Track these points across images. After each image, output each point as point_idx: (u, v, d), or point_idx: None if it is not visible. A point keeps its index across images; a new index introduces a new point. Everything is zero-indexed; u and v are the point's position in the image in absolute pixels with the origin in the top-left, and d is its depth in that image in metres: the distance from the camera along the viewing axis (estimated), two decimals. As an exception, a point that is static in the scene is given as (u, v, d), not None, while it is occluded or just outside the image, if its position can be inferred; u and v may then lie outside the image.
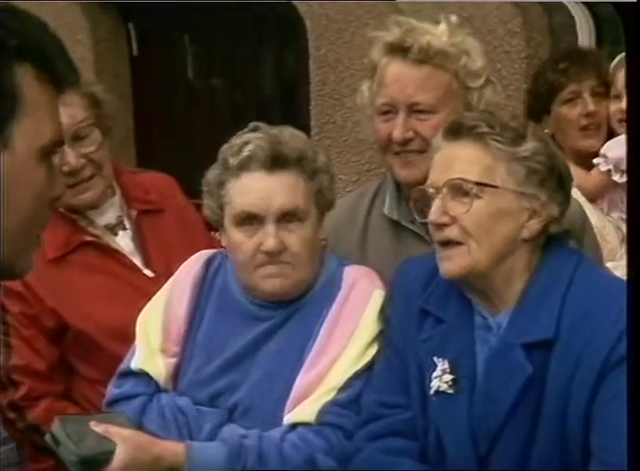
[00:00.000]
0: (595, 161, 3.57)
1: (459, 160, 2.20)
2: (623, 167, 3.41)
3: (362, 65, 2.75)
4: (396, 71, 2.59)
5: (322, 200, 2.50)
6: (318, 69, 5.18)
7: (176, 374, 2.57)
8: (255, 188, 2.41)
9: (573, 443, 2.12)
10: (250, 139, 2.45)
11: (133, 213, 3.04)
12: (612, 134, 3.61)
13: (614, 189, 3.58)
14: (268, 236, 2.38)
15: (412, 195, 2.30)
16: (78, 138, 2.85)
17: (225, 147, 2.53)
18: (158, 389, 2.57)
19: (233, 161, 2.46)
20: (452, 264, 2.18)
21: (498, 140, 2.17)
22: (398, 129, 2.59)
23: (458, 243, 2.17)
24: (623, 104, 3.43)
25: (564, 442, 2.12)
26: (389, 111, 2.61)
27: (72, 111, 2.79)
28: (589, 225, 2.72)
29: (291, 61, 5.51)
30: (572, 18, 4.71)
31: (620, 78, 3.53)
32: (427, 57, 2.56)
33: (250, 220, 2.41)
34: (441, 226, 2.20)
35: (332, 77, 5.12)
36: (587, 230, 2.68)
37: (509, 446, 2.17)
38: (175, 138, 6.14)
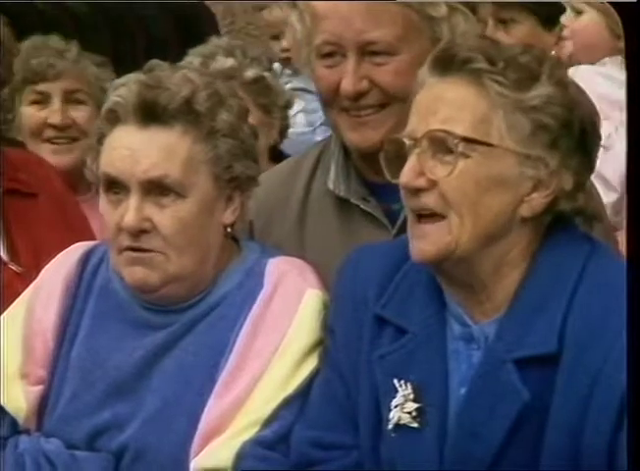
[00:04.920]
0: None
1: (445, 103, 2.05)
2: None
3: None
4: None
5: (224, 172, 2.32)
6: None
7: (41, 407, 2.38)
8: (120, 146, 2.29)
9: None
10: (126, 82, 2.31)
11: None
12: None
13: None
14: (128, 210, 2.26)
15: (385, 147, 2.13)
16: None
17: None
18: (15, 429, 2.39)
19: (104, 108, 2.33)
20: (425, 243, 2.05)
21: (498, 81, 2.02)
22: (347, 78, 2.38)
23: (436, 216, 2.04)
24: None
25: None
26: (333, 52, 2.41)
27: None
28: (601, 202, 2.56)
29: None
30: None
31: None
32: None
33: (116, 187, 2.29)
34: (415, 191, 2.04)
35: (238, 6, 4.95)
36: (601, 209, 2.50)
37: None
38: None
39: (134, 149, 2.26)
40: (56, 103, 3.49)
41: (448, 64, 2.06)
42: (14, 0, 3.82)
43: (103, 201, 2.31)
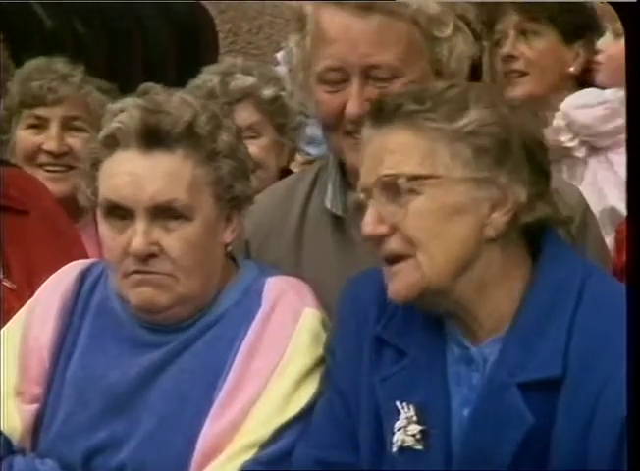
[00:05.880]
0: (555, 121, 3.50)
1: (388, 151, 2.07)
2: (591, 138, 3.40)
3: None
4: (337, 22, 2.39)
5: (225, 193, 2.32)
6: (221, 14, 4.90)
7: (37, 426, 2.36)
8: (123, 172, 2.27)
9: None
10: (125, 106, 2.28)
11: None
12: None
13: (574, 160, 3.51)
14: (136, 235, 2.24)
15: (355, 204, 2.17)
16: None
17: (105, 114, 2.37)
18: (9, 449, 2.35)
19: (102, 133, 2.29)
20: (398, 283, 2.07)
21: (430, 118, 2.05)
22: (353, 101, 2.37)
23: (404, 257, 2.06)
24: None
25: None
26: (338, 77, 2.40)
27: None
28: (592, 219, 2.55)
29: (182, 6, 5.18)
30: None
31: None
32: (370, 2, 2.35)
33: (119, 212, 2.28)
34: (379, 238, 2.07)
35: (245, 25, 4.78)
36: (590, 226, 2.49)
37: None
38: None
39: (139, 175, 2.25)
40: (53, 129, 3.39)
41: (380, 114, 2.08)
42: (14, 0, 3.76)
43: (104, 226, 2.30)
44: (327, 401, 2.22)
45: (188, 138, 2.26)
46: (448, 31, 2.42)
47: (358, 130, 2.35)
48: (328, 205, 2.49)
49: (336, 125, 2.43)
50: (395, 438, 2.07)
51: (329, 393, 2.22)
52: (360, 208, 2.14)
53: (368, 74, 2.37)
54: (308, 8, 2.41)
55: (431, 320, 2.14)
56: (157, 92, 2.32)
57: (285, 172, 3.49)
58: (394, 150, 2.07)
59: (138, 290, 2.26)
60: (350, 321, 2.25)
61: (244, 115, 3.39)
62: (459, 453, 2.05)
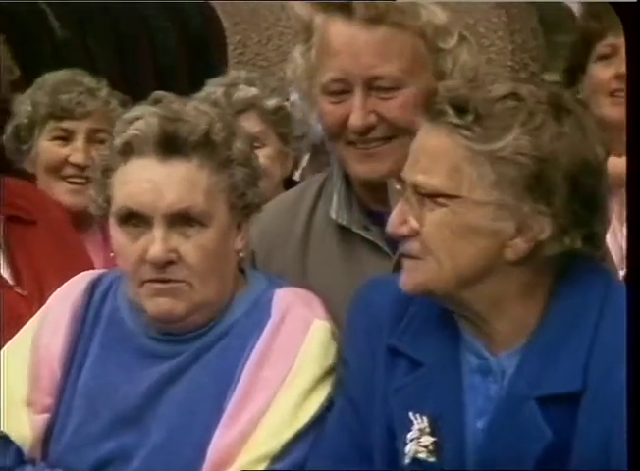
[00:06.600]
0: None
1: (425, 153, 2.06)
2: None
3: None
4: (342, 34, 2.38)
5: (239, 200, 2.32)
6: (234, 26, 4.86)
7: (47, 436, 2.34)
8: (140, 179, 2.26)
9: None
10: (141, 114, 2.28)
11: (0, 218, 2.93)
12: None
13: None
14: (154, 242, 2.24)
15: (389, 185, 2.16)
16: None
17: (117, 122, 2.36)
18: (21, 458, 2.35)
19: (118, 141, 2.28)
20: (408, 277, 2.09)
21: (466, 136, 2.00)
22: (356, 113, 2.37)
23: (418, 258, 2.07)
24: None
25: None
26: (341, 89, 2.40)
27: None
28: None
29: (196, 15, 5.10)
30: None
31: None
32: (379, 14, 2.34)
33: (135, 219, 2.27)
34: (400, 237, 2.09)
35: (255, 36, 4.75)
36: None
37: None
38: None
39: (156, 182, 2.25)
40: (80, 141, 3.40)
41: (432, 110, 2.06)
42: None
43: (119, 234, 2.30)
44: (339, 412, 2.21)
45: (205, 146, 2.26)
46: (452, 42, 2.41)
47: (361, 140, 2.39)
48: (333, 215, 2.49)
49: (339, 135, 2.43)
50: (407, 449, 2.06)
51: (341, 403, 2.22)
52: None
53: (371, 85, 2.37)
54: (317, 19, 2.41)
55: (447, 330, 2.13)
56: (170, 100, 2.32)
57: (288, 181, 3.52)
58: (429, 153, 2.05)
59: (156, 301, 2.26)
60: (363, 330, 2.23)
61: (248, 125, 3.40)
62: (473, 466, 2.03)
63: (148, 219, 2.24)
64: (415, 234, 2.05)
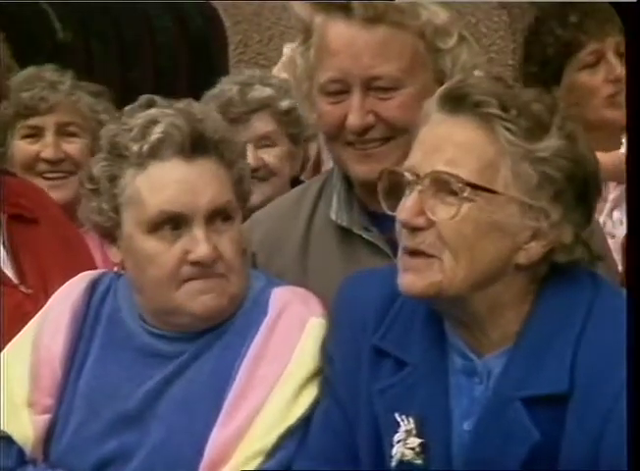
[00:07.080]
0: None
1: (452, 144, 1.97)
2: None
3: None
4: (342, 34, 2.36)
5: (243, 192, 2.36)
6: (235, 25, 4.85)
7: (49, 436, 2.34)
8: (174, 181, 2.24)
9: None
10: (158, 117, 2.25)
11: (3, 217, 2.89)
12: None
13: None
14: (199, 243, 2.22)
15: (383, 178, 2.06)
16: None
17: (113, 130, 2.30)
18: (22, 459, 2.35)
19: (136, 147, 2.24)
20: (416, 277, 2.00)
21: (510, 129, 1.95)
22: (354, 113, 2.36)
23: (429, 255, 1.99)
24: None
25: None
26: (340, 89, 2.38)
27: None
28: (597, 227, 2.49)
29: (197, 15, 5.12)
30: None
31: None
32: (378, 14, 2.32)
33: (171, 223, 2.24)
34: (413, 229, 1.99)
35: (256, 36, 4.77)
36: (594, 234, 2.38)
37: None
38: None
39: (191, 182, 2.24)
40: (49, 137, 3.42)
41: (458, 103, 2.00)
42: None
43: (148, 242, 2.25)
44: (325, 412, 2.20)
45: (222, 143, 2.28)
46: (452, 42, 2.39)
47: (359, 141, 2.37)
48: (333, 216, 2.48)
49: (337, 135, 2.42)
50: (394, 451, 2.05)
51: (327, 402, 2.20)
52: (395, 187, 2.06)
53: (370, 85, 2.35)
54: (317, 20, 2.39)
55: (432, 330, 2.10)
56: (162, 103, 2.31)
57: (295, 181, 3.53)
58: (458, 145, 1.99)
59: (201, 299, 2.24)
60: (348, 326, 2.21)
61: (261, 124, 3.44)
62: (460, 467, 2.02)
63: (187, 220, 2.23)
64: (431, 225, 1.98)
